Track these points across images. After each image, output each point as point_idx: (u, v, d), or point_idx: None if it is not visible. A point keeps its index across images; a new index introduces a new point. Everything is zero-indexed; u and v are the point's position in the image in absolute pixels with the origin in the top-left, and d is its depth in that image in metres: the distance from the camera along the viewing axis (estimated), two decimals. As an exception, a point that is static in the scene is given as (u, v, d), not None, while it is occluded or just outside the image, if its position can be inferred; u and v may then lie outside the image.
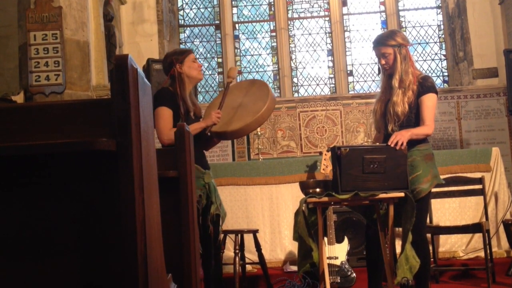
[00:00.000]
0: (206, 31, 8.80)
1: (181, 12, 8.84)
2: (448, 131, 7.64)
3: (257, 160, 6.20)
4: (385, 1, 8.65)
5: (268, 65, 8.70)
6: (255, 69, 8.69)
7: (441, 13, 8.62)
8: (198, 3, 8.87)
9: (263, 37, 8.76)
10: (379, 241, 3.30)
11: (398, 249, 3.80)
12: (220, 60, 8.70)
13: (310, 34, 8.72)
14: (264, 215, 5.25)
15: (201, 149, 3.63)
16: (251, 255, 4.76)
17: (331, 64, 8.63)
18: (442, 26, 8.58)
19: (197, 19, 8.84)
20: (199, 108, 3.71)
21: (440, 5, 8.63)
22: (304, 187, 3.50)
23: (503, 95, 7.50)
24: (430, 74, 8.11)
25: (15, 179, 1.42)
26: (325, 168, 4.57)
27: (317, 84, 8.62)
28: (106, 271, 1.41)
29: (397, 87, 3.36)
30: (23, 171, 1.42)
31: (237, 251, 4.24)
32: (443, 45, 8.57)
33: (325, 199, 3.22)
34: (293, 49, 8.70)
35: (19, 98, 6.01)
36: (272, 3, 8.76)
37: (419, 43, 8.59)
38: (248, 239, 4.59)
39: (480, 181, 4.60)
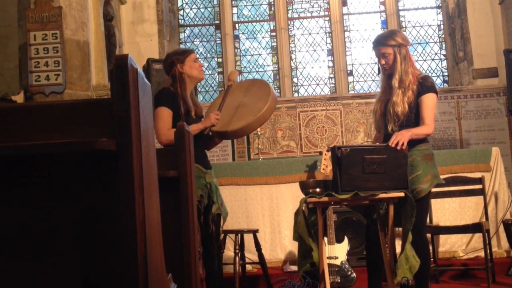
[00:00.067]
0: (206, 31, 8.80)
1: (181, 12, 8.84)
2: (448, 131, 7.64)
3: (257, 160, 6.21)
4: (385, 1, 8.65)
5: (268, 65, 8.70)
6: (255, 69, 8.69)
7: (441, 13, 8.62)
8: (198, 3, 8.87)
9: (263, 37, 8.76)
10: (379, 241, 3.30)
11: (398, 249, 3.80)
12: (220, 60, 8.70)
13: (310, 34, 8.72)
14: (264, 215, 5.25)
15: (202, 148, 3.64)
16: (251, 255, 4.76)
17: (331, 64, 8.63)
18: (442, 26, 8.58)
19: (197, 19, 8.84)
20: (201, 108, 3.71)
21: (440, 5, 8.63)
22: (304, 187, 3.50)
23: (503, 95, 7.50)
24: (430, 74, 8.11)
25: (15, 179, 1.42)
26: (325, 168, 4.57)
27: (317, 84, 8.62)
28: (106, 271, 1.41)
29: (397, 87, 3.36)
30: (23, 171, 1.42)
31: (237, 251, 4.24)
32: (443, 45, 8.57)
33: (325, 199, 3.22)
34: (293, 49, 8.70)
35: (19, 98, 6.01)
36: (272, 3, 8.76)
37: (419, 43, 8.60)
38: (248, 239, 4.59)
39: (480, 181, 4.60)
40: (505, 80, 6.51)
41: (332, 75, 8.61)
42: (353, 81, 8.60)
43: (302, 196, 3.46)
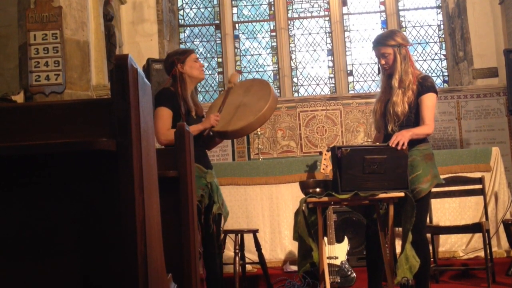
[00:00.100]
0: (206, 31, 8.80)
1: (181, 12, 8.84)
2: (448, 131, 7.64)
3: (257, 160, 6.20)
4: (385, 1, 8.65)
5: (268, 65, 8.70)
6: (255, 69, 8.69)
7: (441, 13, 8.62)
8: (198, 3, 8.87)
9: (263, 37, 8.76)
10: (379, 241, 3.30)
11: (398, 249, 3.80)
12: (220, 60, 8.70)
13: (310, 34, 8.72)
14: (264, 215, 5.25)
15: (203, 148, 3.64)
16: (251, 255, 4.76)
17: (331, 64, 8.63)
18: (442, 26, 8.58)
19: (197, 19, 8.84)
20: (201, 108, 3.71)
21: (440, 5, 8.63)
22: (304, 187, 3.50)
23: (503, 95, 7.50)
24: (430, 74, 8.10)
25: (15, 179, 1.42)
26: (325, 168, 4.57)
27: (317, 84, 8.62)
28: (106, 271, 1.41)
29: (397, 87, 3.36)
30: (23, 171, 1.42)
31: (237, 251, 4.24)
32: (443, 45, 8.57)
33: (325, 199, 3.22)
34: (293, 49, 8.70)
35: (19, 98, 6.01)
36: (272, 3, 8.75)
37: (419, 43, 8.59)
38: (248, 239, 4.59)
39: (480, 181, 4.60)
40: (505, 80, 6.51)
41: (332, 75, 8.61)
42: (353, 81, 8.60)
43: (302, 196, 3.46)
